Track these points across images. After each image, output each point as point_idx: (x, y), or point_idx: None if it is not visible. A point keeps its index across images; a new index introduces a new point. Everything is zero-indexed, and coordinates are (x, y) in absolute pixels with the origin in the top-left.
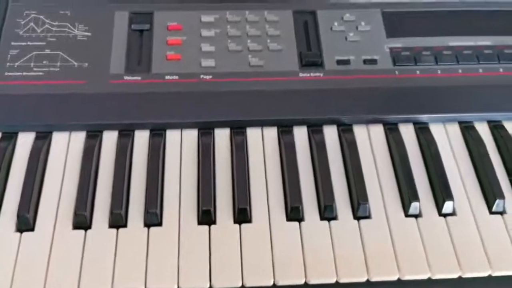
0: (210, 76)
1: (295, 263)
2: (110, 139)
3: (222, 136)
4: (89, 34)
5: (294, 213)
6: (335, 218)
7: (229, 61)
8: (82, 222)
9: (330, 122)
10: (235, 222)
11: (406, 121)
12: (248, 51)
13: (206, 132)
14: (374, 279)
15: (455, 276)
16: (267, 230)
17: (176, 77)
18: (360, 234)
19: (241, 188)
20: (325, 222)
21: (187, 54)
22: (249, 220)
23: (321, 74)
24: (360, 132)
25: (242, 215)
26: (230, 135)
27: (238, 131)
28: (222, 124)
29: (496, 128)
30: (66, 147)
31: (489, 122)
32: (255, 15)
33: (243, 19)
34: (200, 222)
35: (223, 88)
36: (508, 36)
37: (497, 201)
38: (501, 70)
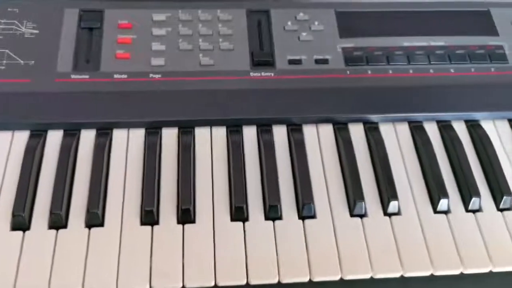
0: (159, 75)
1: (238, 264)
2: (54, 138)
3: (169, 136)
4: (37, 31)
5: (238, 213)
6: (280, 218)
7: (180, 60)
8: (21, 223)
9: (280, 121)
10: (178, 222)
11: (356, 120)
12: (199, 50)
13: (153, 131)
14: (316, 279)
15: (397, 275)
16: (210, 231)
17: (125, 76)
18: (305, 234)
19: (186, 189)
20: (270, 222)
21: (136, 53)
22: (192, 221)
23: (272, 74)
24: (309, 131)
25: (185, 216)
26: (178, 134)
27: (186, 130)
28: (170, 124)
29: (445, 128)
30: (9, 146)
31: (438, 122)
32: (208, 14)
33: (196, 18)
34: (143, 223)
35: (172, 87)
36: (460, 36)
37: (441, 200)
38: (452, 70)
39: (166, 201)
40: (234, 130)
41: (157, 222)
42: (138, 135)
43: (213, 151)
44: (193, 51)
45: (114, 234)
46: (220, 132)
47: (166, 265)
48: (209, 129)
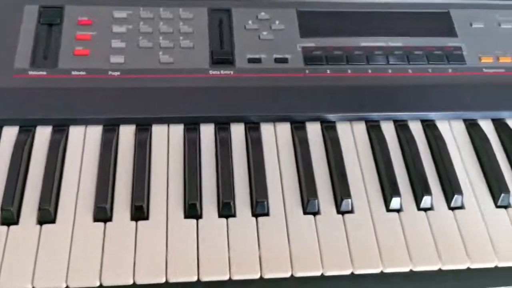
0: (118, 73)
1: (190, 261)
2: (9, 135)
3: (126, 133)
4: None
5: (191, 211)
6: (233, 215)
7: (139, 58)
8: None
9: (238, 120)
10: (132, 219)
11: (313, 119)
12: (159, 48)
13: (110, 128)
14: (267, 276)
15: (347, 272)
16: (163, 228)
17: (83, 73)
18: (257, 231)
19: (139, 186)
20: (223, 220)
21: (96, 50)
22: (146, 218)
23: (232, 72)
24: (267, 130)
25: (138, 212)
26: (135, 132)
27: (143, 128)
28: (127, 121)
29: (401, 127)
30: None
31: (394, 121)
32: (170, 12)
33: (157, 16)
34: (96, 219)
35: (130, 84)
36: (419, 37)
37: (394, 199)
38: (410, 71)
39: (120, 198)
40: (192, 128)
41: (110, 219)
42: (95, 132)
43: (170, 149)
44: (153, 49)
45: (66, 231)
46: (177, 130)
47: (118, 262)
48: (167, 127)
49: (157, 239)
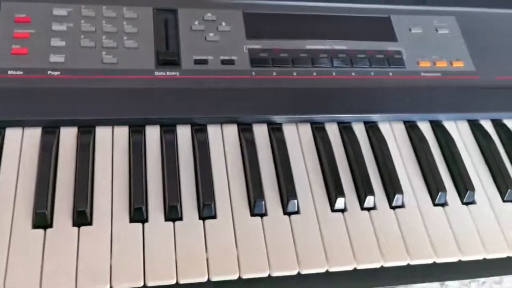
0: (58, 73)
1: (135, 266)
2: None
3: (67, 135)
4: None
5: (137, 214)
6: (180, 218)
7: (81, 57)
8: None
9: (184, 122)
10: (74, 225)
11: (260, 121)
12: (102, 48)
13: (50, 131)
14: (215, 278)
15: (294, 272)
16: (108, 232)
17: (21, 73)
18: (204, 234)
19: (82, 190)
20: (170, 223)
21: (34, 49)
22: (89, 223)
23: (178, 73)
24: (213, 132)
25: (81, 218)
26: (77, 134)
27: (86, 130)
28: (69, 123)
29: (345, 129)
30: None
31: (339, 123)
32: (113, 11)
33: (99, 15)
34: (35, 226)
35: (72, 85)
36: (362, 41)
37: (338, 199)
38: (353, 74)
39: (61, 203)
40: (137, 130)
41: (50, 225)
42: (33, 135)
43: (114, 151)
44: (95, 48)
45: (3, 238)
46: (122, 132)
47: (59, 269)
48: (111, 129)
49: (100, 245)
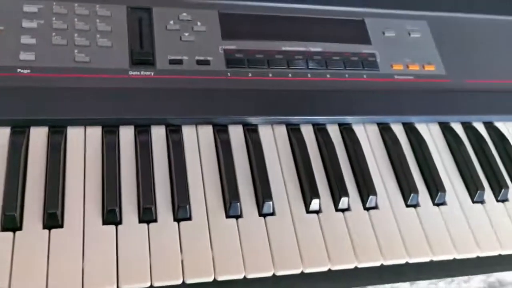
0: (28, 71)
1: (108, 269)
2: None
3: (38, 135)
4: None
5: (110, 216)
6: (155, 220)
7: (52, 55)
8: None
9: (159, 122)
10: (44, 227)
11: (235, 122)
12: (74, 46)
13: (19, 131)
14: (189, 281)
15: (269, 274)
16: (80, 235)
17: None
18: (179, 236)
19: (52, 191)
20: (144, 225)
21: (3, 46)
22: (60, 225)
23: (152, 73)
24: (188, 133)
25: (51, 220)
26: (48, 134)
27: (57, 130)
28: (39, 123)
29: (319, 131)
30: None
31: (314, 125)
32: (85, 8)
33: (72, 12)
34: (3, 228)
35: (42, 84)
36: (336, 43)
37: (313, 200)
38: (328, 76)
39: (32, 205)
40: (110, 131)
41: (20, 228)
42: (2, 135)
43: (86, 152)
44: (67, 46)
45: None
46: (94, 132)
47: (28, 273)
48: (83, 129)
49: (72, 247)
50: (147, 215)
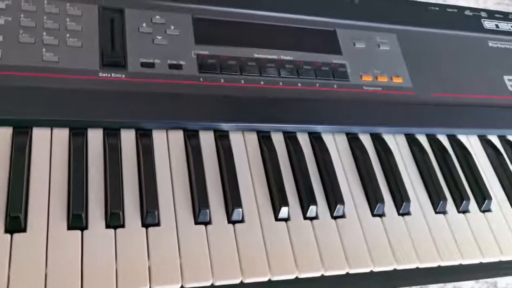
0: None
1: (72, 275)
2: None
3: (2, 136)
4: None
5: (75, 221)
6: (122, 225)
7: (19, 54)
8: None
9: (129, 126)
10: (6, 231)
11: (206, 128)
12: (43, 45)
13: None
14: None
15: (237, 281)
16: (43, 240)
17: None
18: (147, 242)
19: (16, 194)
20: (111, 230)
21: None
22: (23, 229)
23: (123, 76)
24: (159, 137)
25: (14, 224)
26: (12, 135)
27: (22, 131)
28: (3, 123)
29: (290, 139)
30: None
31: (284, 133)
32: (55, 6)
33: (41, 10)
34: None
35: (7, 83)
36: (308, 52)
37: (282, 208)
38: (299, 84)
39: None
40: (78, 133)
41: None
42: None
43: (52, 154)
44: (35, 45)
45: None
46: (61, 134)
47: None
48: (49, 130)
49: (35, 253)
50: (114, 220)
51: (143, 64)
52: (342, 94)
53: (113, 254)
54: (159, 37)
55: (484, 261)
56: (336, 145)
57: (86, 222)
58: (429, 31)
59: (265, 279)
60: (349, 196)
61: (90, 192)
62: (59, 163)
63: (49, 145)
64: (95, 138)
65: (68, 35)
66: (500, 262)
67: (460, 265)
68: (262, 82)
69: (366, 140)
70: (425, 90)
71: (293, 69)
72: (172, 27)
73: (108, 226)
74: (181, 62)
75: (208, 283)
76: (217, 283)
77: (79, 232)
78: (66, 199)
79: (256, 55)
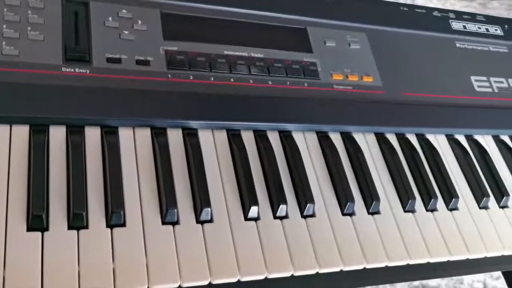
0: None
1: (32, 277)
2: None
3: None
4: None
5: (35, 222)
6: (86, 226)
7: None
8: None
9: (94, 123)
10: None
11: (175, 126)
12: (2, 38)
13: None
14: None
15: (205, 283)
16: (1, 241)
17: None
18: (112, 243)
19: None
20: (74, 232)
21: None
22: None
23: (88, 71)
24: (125, 135)
25: None
26: None
27: None
28: None
29: (260, 137)
30: None
31: (254, 131)
32: None
33: (1, 1)
34: None
35: None
36: (279, 50)
37: (252, 208)
38: (270, 82)
39: None
40: (39, 130)
41: None
42: None
43: (12, 152)
44: None
45: None
46: (21, 131)
47: None
48: (8, 127)
49: None
50: (77, 221)
51: (109, 60)
52: (312, 93)
53: (76, 256)
54: (126, 32)
55: (451, 259)
56: (307, 143)
57: (47, 223)
58: (399, 31)
59: (234, 280)
60: (319, 195)
61: (51, 192)
62: (18, 161)
63: (8, 143)
64: (57, 135)
65: (29, 28)
66: (467, 260)
67: (428, 263)
68: (232, 80)
69: (336, 139)
70: (394, 90)
71: (264, 67)
72: (140, 22)
73: (70, 227)
74: (149, 58)
75: (176, 284)
76: (185, 285)
77: (39, 233)
78: (26, 199)
79: (226, 52)
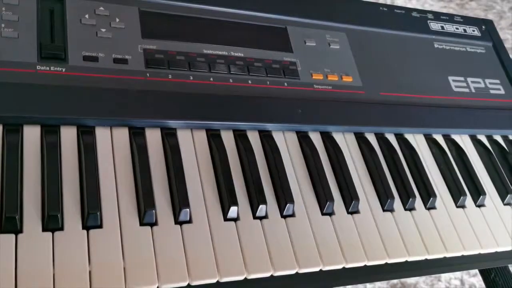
0: None
1: (6, 280)
2: None
3: None
4: None
5: (9, 224)
6: (61, 228)
7: None
8: None
9: (70, 123)
10: None
11: (153, 126)
12: None
13: None
14: None
15: (184, 284)
16: None
17: None
18: (88, 245)
19: None
20: (48, 234)
21: None
22: None
23: (63, 69)
24: (102, 135)
25: None
26: None
27: None
28: None
29: (240, 137)
30: None
31: (234, 131)
32: None
33: None
34: None
35: None
36: (259, 49)
37: (231, 208)
38: (249, 82)
39: None
40: (13, 130)
41: None
42: None
43: None
44: None
45: None
46: None
47: None
48: None
49: None
50: (52, 223)
51: (86, 58)
52: (292, 92)
53: (50, 259)
54: (103, 30)
55: (429, 257)
56: (286, 143)
57: (20, 225)
58: (378, 31)
59: (213, 280)
60: (299, 195)
61: (25, 193)
62: None
63: None
64: (31, 135)
65: (3, 25)
66: (445, 259)
67: (406, 261)
68: (211, 79)
69: (316, 139)
70: (374, 90)
71: (243, 66)
72: (117, 20)
73: (45, 229)
74: (127, 57)
75: (154, 287)
76: (163, 286)
77: (13, 235)
78: None
79: (205, 51)
